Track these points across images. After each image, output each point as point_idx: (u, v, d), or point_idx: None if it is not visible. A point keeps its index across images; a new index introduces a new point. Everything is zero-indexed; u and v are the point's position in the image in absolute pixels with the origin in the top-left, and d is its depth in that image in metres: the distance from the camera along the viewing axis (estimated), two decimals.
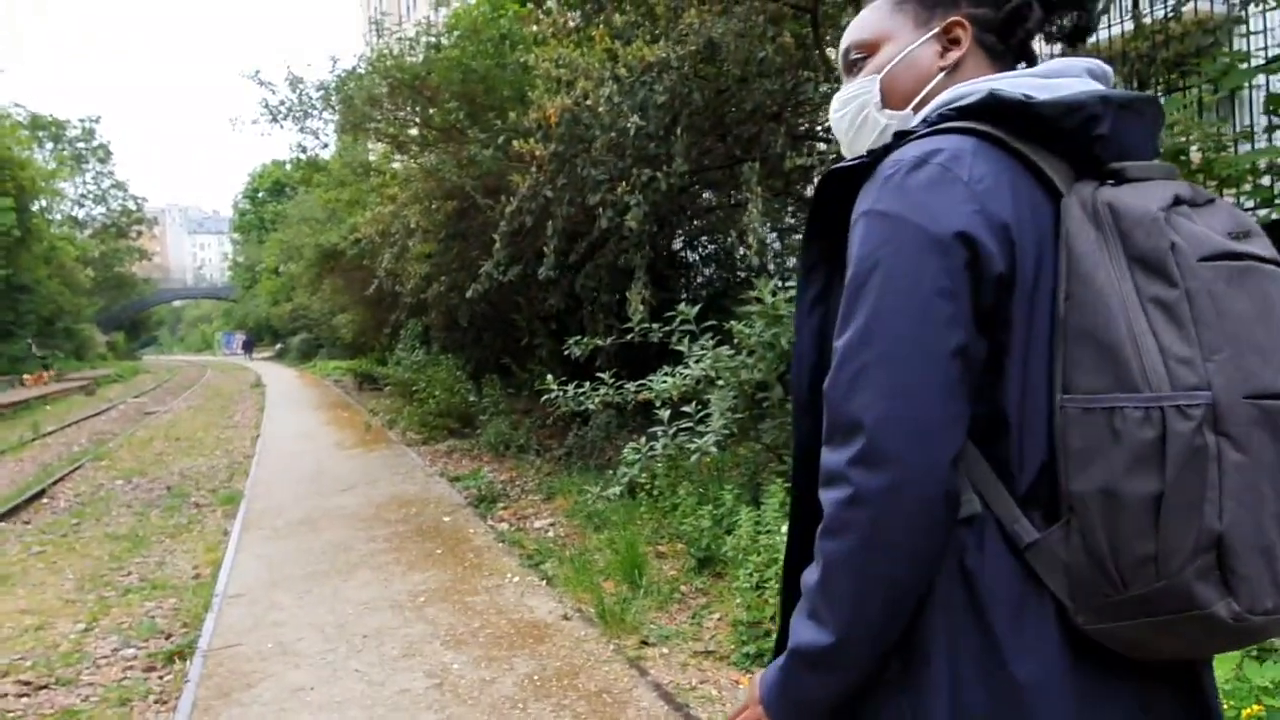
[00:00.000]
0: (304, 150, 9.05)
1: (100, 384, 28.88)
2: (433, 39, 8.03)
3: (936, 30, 1.05)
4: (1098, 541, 0.80)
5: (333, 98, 8.30)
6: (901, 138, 0.95)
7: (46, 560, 6.20)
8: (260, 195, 52.08)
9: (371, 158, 14.79)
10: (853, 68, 1.13)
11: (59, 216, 50.02)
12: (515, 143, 6.25)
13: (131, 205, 55.46)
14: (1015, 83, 0.94)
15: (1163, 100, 6.52)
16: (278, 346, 48.87)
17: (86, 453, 12.01)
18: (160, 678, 4.01)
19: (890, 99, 1.08)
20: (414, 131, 9.28)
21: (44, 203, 43.96)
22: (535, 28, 6.88)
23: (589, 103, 6.17)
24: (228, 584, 5.23)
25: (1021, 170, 0.90)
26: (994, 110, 0.91)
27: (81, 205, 53.09)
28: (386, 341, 19.10)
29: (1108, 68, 0.99)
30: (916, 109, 1.05)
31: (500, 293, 12.59)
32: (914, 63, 1.06)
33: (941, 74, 1.04)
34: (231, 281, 61.89)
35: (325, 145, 9.34)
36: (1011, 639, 0.85)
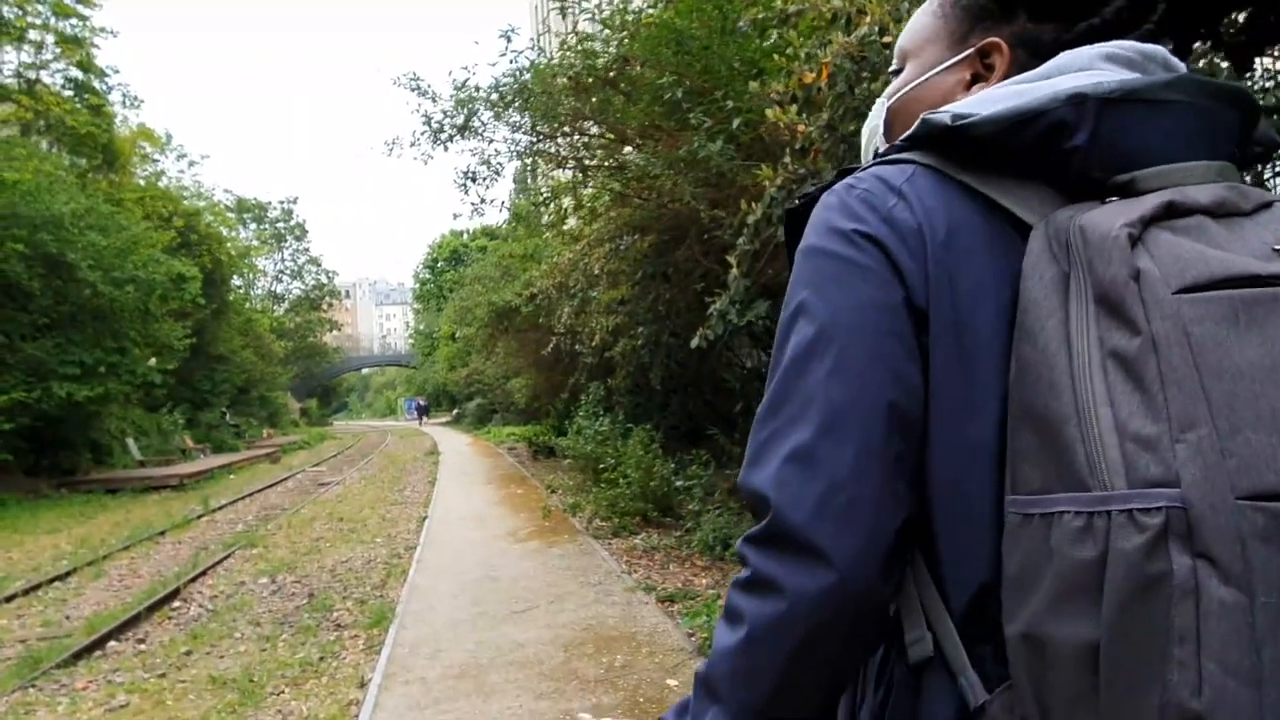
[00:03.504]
0: (472, 179, 7.39)
1: (286, 451, 29.18)
2: (632, 15, 6.11)
3: (970, 52, 0.83)
4: (1029, 713, 0.58)
5: (509, 97, 6.51)
6: (848, 173, 0.78)
7: None
8: (439, 265, 53.67)
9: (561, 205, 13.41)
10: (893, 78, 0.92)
11: (260, 292, 53.36)
12: (769, 112, 4.15)
13: (324, 279, 58.46)
14: (984, 96, 0.74)
15: None
16: (455, 411, 49.41)
17: (242, 538, 10.76)
18: None
19: (897, 130, 0.89)
20: (601, 148, 7.41)
21: (247, 278, 46.85)
22: None
23: (885, 40, 3.99)
24: None
25: (976, 206, 0.70)
26: (929, 138, 0.73)
27: (280, 280, 56.44)
28: (563, 407, 17.59)
29: (1152, 48, 0.73)
30: None
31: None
32: (932, 89, 0.86)
33: None
34: (413, 349, 63.99)
35: (498, 174, 7.67)
36: None
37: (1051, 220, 0.65)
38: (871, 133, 0.93)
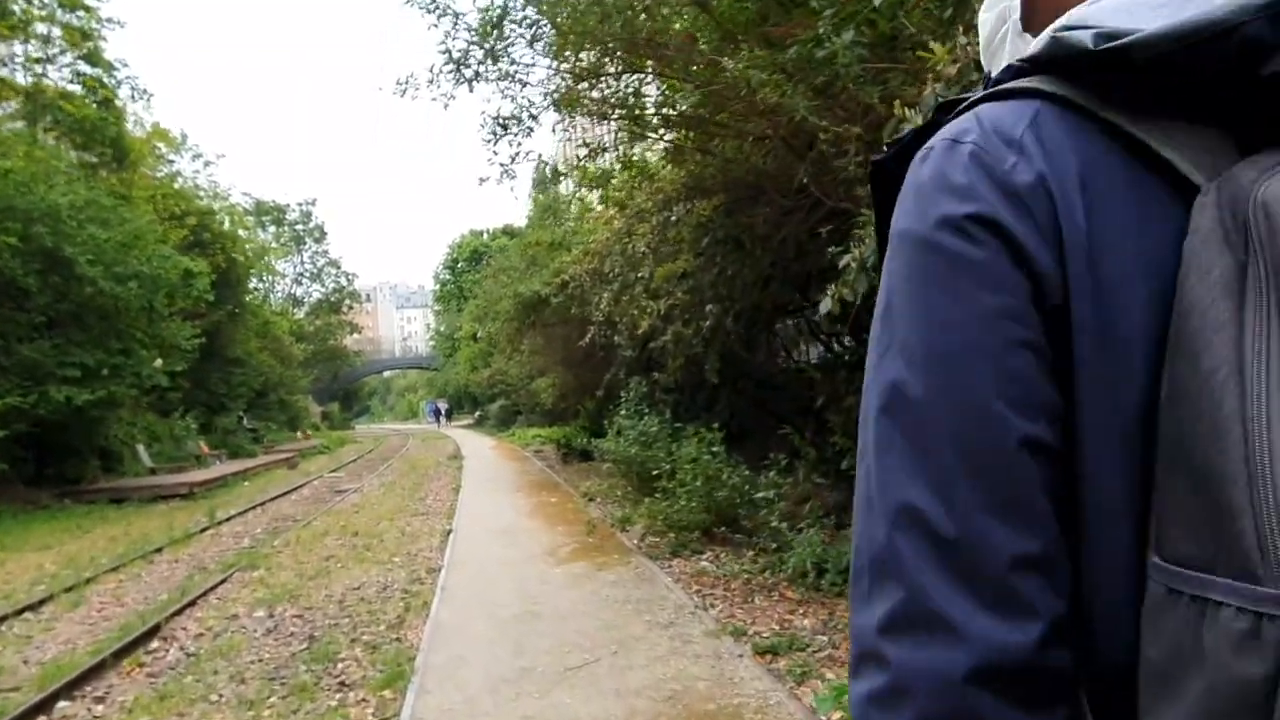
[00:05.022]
0: (504, 127, 6.11)
1: (305, 455, 28.08)
2: None
3: None
4: None
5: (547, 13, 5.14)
6: (952, 107, 0.58)
7: None
8: (459, 265, 52.69)
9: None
10: None
11: (280, 295, 52.53)
12: None
13: (344, 282, 57.54)
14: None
15: None
16: (477, 414, 48.39)
17: (244, 557, 9.51)
18: None
19: (1038, 16, 0.63)
20: (676, 65, 6.05)
21: (266, 281, 46.00)
22: None
23: None
24: None
25: (1123, 154, 0.50)
26: (1063, 61, 0.52)
27: (300, 283, 55.52)
28: (595, 407, 16.32)
29: None
30: None
31: (760, 323, 9.15)
32: None
33: None
34: (434, 351, 63.27)
35: (531, 128, 6.37)
36: None
37: (1227, 183, 0.46)
38: (1000, 20, 0.66)
